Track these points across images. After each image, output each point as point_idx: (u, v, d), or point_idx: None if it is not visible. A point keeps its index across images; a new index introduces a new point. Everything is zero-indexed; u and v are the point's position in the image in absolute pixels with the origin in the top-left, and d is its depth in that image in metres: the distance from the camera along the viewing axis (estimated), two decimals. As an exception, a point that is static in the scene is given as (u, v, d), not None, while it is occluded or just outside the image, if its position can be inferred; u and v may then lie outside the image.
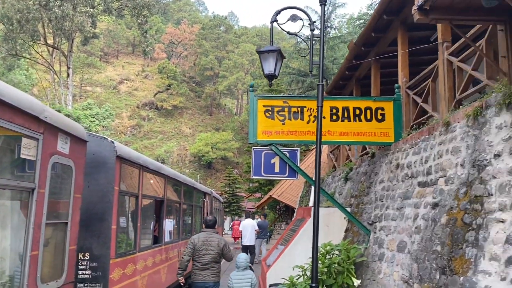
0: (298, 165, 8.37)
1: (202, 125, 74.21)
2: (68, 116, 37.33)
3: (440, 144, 6.02)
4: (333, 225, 9.37)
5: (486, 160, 4.72)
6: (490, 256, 4.10)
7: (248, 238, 16.07)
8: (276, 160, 8.36)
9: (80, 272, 5.95)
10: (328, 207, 9.75)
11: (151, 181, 8.56)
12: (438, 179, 5.85)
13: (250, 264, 7.83)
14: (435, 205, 5.67)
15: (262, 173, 8.43)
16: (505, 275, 3.80)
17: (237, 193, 45.54)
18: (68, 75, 34.33)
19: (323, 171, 15.46)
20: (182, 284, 7.74)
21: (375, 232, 7.69)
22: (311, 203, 13.31)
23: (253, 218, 20.22)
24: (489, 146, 4.75)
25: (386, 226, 7.20)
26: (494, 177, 4.48)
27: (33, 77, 52.43)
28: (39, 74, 54.33)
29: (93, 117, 52.91)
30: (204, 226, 7.54)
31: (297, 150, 8.51)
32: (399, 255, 6.30)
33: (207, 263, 6.97)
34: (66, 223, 4.58)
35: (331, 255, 7.80)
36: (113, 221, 6.19)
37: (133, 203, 7.38)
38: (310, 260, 7.97)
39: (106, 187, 6.19)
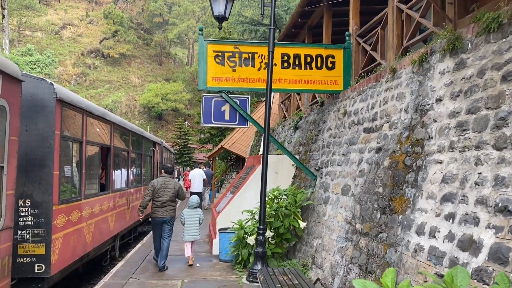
0: (249, 113, 8.33)
1: (152, 75, 71.77)
2: (5, 61, 34.68)
3: (386, 91, 6.15)
4: (282, 172, 9.57)
5: (428, 104, 4.88)
6: (427, 194, 4.32)
7: (196, 186, 16.64)
8: (226, 108, 8.27)
9: (21, 219, 5.73)
10: (278, 155, 9.90)
11: (96, 128, 8.24)
12: (382, 125, 6.03)
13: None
14: (378, 150, 5.86)
15: (212, 121, 8.33)
16: (439, 211, 4.03)
17: (189, 145, 45.33)
18: (3, 16, 31.65)
19: (274, 121, 15.56)
20: (141, 220, 8.83)
21: (321, 177, 7.91)
22: (261, 152, 13.46)
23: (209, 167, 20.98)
24: (432, 91, 4.89)
25: (332, 171, 7.42)
26: (435, 121, 4.66)
27: (-37, 19, 47.87)
28: (-30, 15, 49.65)
29: (34, 64, 49.68)
30: (163, 172, 8.46)
31: (248, 97, 8.44)
32: (343, 198, 6.55)
33: (164, 202, 7.93)
34: (2, 167, 4.32)
35: (279, 199, 8.01)
36: (55, 167, 5.93)
37: (77, 149, 7.10)
38: (259, 204, 8.17)
39: (46, 131, 5.87)
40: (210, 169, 21.52)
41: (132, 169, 11.41)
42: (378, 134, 6.10)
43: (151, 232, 12.71)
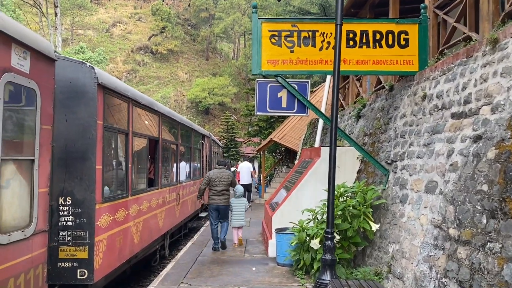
0: (308, 99, 7.40)
1: (199, 70, 72.11)
2: (59, 59, 35.36)
3: (485, 66, 5.03)
4: (344, 166, 8.57)
5: (557, 78, 3.76)
6: None
7: (245, 178, 17.65)
8: (283, 94, 7.38)
9: (61, 219, 5.15)
10: (339, 146, 8.91)
11: (144, 118, 7.62)
12: (480, 108, 4.92)
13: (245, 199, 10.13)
14: (477, 138, 4.77)
15: (268, 109, 7.47)
16: None
17: (236, 139, 45.00)
18: (56, 14, 32.27)
19: (327, 113, 14.50)
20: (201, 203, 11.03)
21: (395, 172, 6.87)
22: (317, 144, 12.50)
23: (251, 162, 21.87)
24: (562, 60, 3.77)
25: (410, 165, 6.37)
26: None
27: (21, 19, 49.91)
28: (28, 17, 51.69)
29: (86, 61, 51.09)
30: (217, 165, 9.55)
31: (307, 82, 7.50)
32: (428, 197, 5.50)
33: (220, 191, 8.94)
34: (32, 161, 3.68)
35: (345, 197, 7.06)
36: (97, 161, 5.30)
37: (122, 141, 6.48)
38: (321, 203, 7.24)
39: (87, 121, 5.25)
40: (251, 163, 22.33)
41: (181, 163, 10.81)
42: (474, 119, 5.00)
43: (202, 229, 12.18)
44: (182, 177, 10.99)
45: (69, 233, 5.16)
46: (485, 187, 4.30)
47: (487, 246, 3.97)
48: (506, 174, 4.04)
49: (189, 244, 10.00)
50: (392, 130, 7.53)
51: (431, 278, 4.81)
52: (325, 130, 12.98)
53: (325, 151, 8.53)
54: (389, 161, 7.21)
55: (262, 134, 25.66)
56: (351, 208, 6.74)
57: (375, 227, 6.48)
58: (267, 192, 20.18)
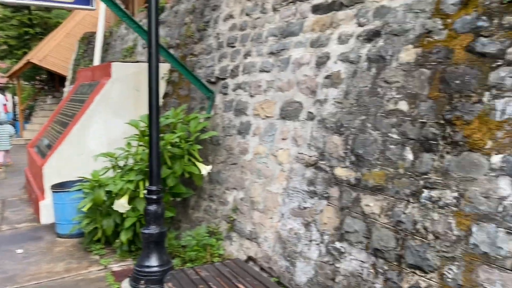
0: (94, -19, 4.72)
1: None
2: None
3: None
4: (146, 89, 6.31)
5: None
6: None
7: None
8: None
9: None
10: (137, 62, 6.55)
11: None
12: (368, -7, 3.42)
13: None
14: (373, 35, 3.29)
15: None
16: None
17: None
18: None
19: (108, 24, 11.47)
20: None
21: (225, 94, 5.06)
22: (96, 63, 9.63)
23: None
24: None
25: (250, 82, 4.64)
26: None
27: None
28: None
29: None
30: None
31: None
32: (287, 124, 3.91)
33: None
34: None
35: (157, 132, 4.94)
36: None
37: None
38: (124, 141, 5.01)
39: None
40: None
41: None
42: (357, 10, 3.49)
43: None
44: None
45: None
46: (403, 105, 2.88)
47: (424, 195, 2.60)
48: (448, 82, 2.66)
49: None
50: (212, 38, 5.60)
51: (311, 241, 3.33)
52: (105, 46, 10.13)
53: (118, 68, 6.06)
54: (213, 80, 5.34)
55: (13, 56, 20.10)
56: (170, 146, 4.71)
57: (205, 169, 4.64)
58: (27, 129, 16.05)
